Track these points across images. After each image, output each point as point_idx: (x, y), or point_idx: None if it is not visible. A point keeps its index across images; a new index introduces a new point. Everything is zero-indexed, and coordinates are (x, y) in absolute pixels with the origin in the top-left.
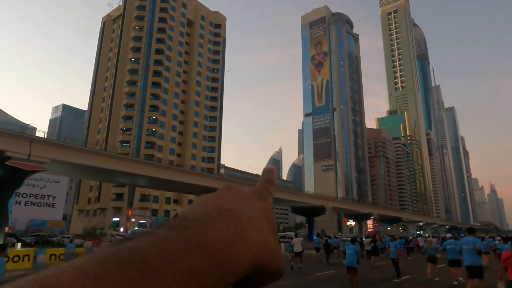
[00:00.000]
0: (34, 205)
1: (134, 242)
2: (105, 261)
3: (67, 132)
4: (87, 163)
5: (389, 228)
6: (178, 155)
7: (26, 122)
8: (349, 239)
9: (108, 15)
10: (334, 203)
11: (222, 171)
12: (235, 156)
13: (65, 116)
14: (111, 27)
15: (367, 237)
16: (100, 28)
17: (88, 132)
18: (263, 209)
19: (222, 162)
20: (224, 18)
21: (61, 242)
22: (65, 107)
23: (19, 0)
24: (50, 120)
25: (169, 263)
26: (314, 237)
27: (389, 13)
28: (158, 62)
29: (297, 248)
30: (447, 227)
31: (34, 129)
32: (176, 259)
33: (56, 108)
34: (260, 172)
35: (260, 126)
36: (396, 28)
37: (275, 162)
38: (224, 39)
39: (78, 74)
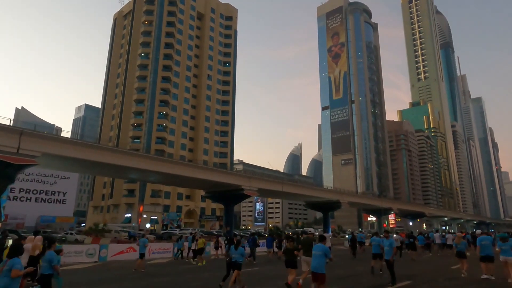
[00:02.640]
0: (44, 201)
1: None
2: None
3: (90, 131)
4: (80, 157)
5: (411, 224)
6: (190, 150)
7: (53, 123)
8: (369, 234)
9: (119, 12)
10: (350, 198)
11: (240, 167)
12: (255, 152)
13: (88, 116)
14: (122, 23)
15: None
16: (112, 25)
17: (102, 128)
18: None
19: (241, 158)
20: (235, 10)
21: (64, 238)
22: (88, 107)
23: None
24: (73, 120)
25: None
26: (330, 231)
27: (410, 1)
28: (167, 57)
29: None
30: (475, 222)
31: (60, 130)
32: None
33: (79, 108)
34: (280, 168)
35: (279, 122)
36: (418, 16)
37: (294, 157)
38: (236, 32)
39: (101, 73)
